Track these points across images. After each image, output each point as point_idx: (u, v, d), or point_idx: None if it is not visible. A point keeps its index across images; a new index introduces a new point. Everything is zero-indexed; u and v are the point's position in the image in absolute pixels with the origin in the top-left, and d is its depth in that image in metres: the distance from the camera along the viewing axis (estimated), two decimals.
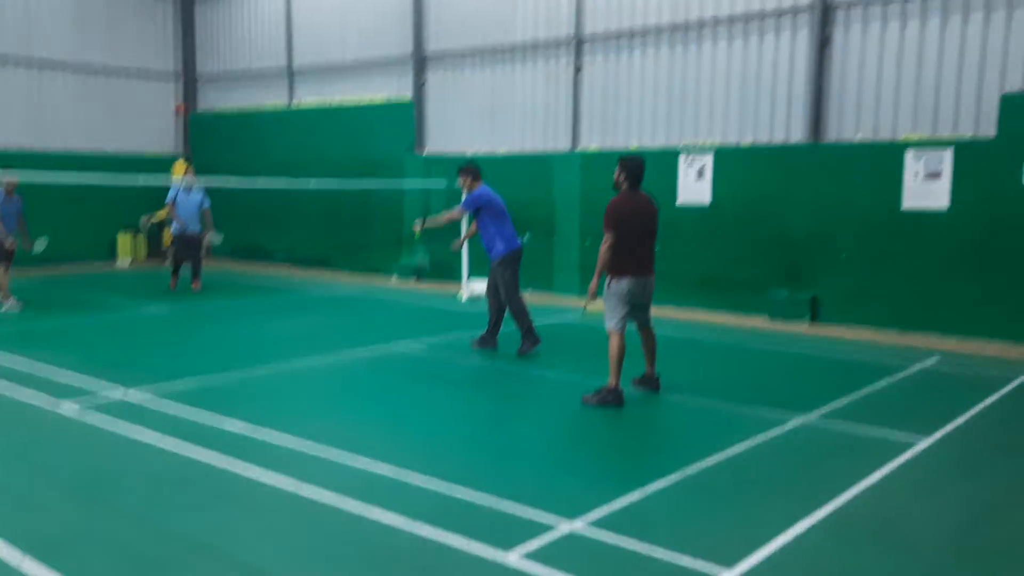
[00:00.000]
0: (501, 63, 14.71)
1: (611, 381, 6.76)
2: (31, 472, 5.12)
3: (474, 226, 9.24)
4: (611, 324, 6.84)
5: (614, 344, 6.80)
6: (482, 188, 9.05)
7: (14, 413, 6.48)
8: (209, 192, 13.76)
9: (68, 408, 6.50)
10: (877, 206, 10.68)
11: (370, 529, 4.35)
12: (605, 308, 6.91)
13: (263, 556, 3.99)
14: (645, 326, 7.16)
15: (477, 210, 8.97)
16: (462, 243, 10.39)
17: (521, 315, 8.89)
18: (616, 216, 6.79)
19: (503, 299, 8.93)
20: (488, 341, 9.09)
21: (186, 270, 13.79)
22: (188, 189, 13.42)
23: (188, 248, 13.50)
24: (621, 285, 6.79)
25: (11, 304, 11.35)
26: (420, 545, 4.16)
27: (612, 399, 6.73)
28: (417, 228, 9.74)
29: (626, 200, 6.88)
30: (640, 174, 6.92)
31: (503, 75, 14.70)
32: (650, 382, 7.28)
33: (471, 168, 9.12)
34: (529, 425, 6.34)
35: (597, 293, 6.89)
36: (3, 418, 6.39)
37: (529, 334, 8.89)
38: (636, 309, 6.97)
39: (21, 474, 5.10)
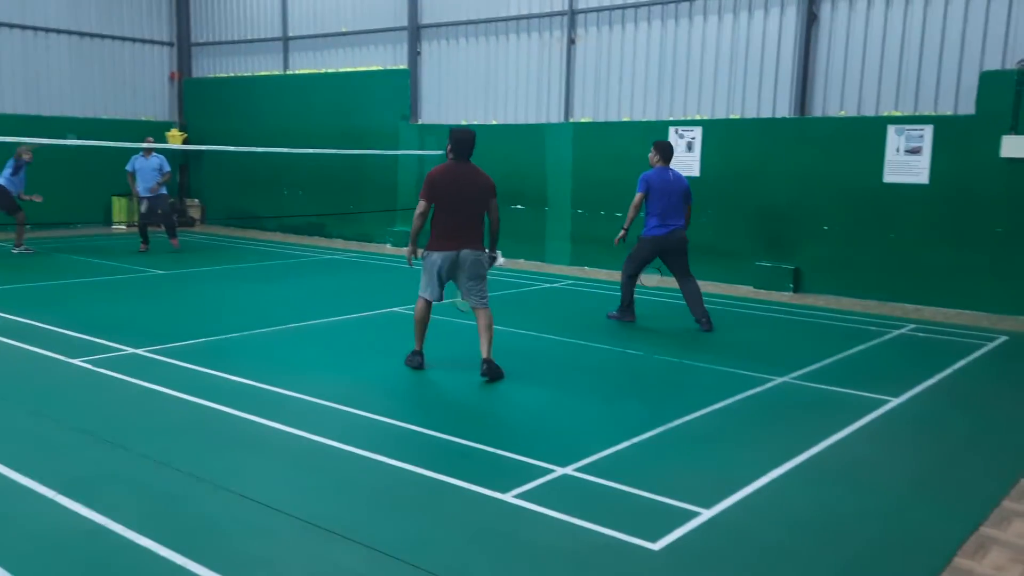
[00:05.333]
0: (495, 34, 14.89)
1: (415, 344, 7.02)
2: (55, 420, 5.41)
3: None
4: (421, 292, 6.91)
5: (416, 307, 6.95)
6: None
7: (32, 366, 6.77)
8: (202, 158, 13.99)
9: (80, 363, 6.78)
10: (859, 180, 11.02)
11: (375, 470, 4.68)
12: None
13: (275, 494, 4.30)
14: (478, 307, 6.82)
15: None
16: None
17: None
18: (428, 185, 6.67)
19: None
20: None
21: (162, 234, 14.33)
22: (147, 156, 13.77)
23: (152, 212, 13.89)
24: (432, 258, 6.75)
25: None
26: (423, 484, 4.50)
27: (412, 361, 6.96)
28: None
29: (446, 170, 6.74)
30: (466, 147, 6.75)
31: (497, 46, 14.88)
32: (483, 368, 6.65)
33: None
34: (521, 382, 6.66)
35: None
36: (22, 371, 6.68)
37: None
38: (462, 284, 6.82)
39: (46, 422, 5.39)
